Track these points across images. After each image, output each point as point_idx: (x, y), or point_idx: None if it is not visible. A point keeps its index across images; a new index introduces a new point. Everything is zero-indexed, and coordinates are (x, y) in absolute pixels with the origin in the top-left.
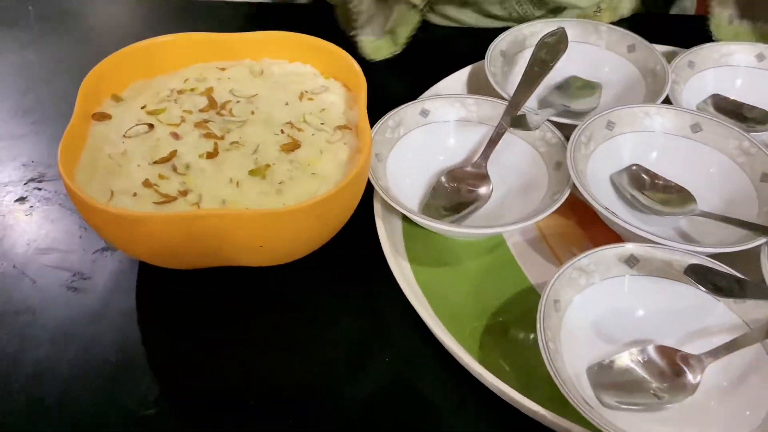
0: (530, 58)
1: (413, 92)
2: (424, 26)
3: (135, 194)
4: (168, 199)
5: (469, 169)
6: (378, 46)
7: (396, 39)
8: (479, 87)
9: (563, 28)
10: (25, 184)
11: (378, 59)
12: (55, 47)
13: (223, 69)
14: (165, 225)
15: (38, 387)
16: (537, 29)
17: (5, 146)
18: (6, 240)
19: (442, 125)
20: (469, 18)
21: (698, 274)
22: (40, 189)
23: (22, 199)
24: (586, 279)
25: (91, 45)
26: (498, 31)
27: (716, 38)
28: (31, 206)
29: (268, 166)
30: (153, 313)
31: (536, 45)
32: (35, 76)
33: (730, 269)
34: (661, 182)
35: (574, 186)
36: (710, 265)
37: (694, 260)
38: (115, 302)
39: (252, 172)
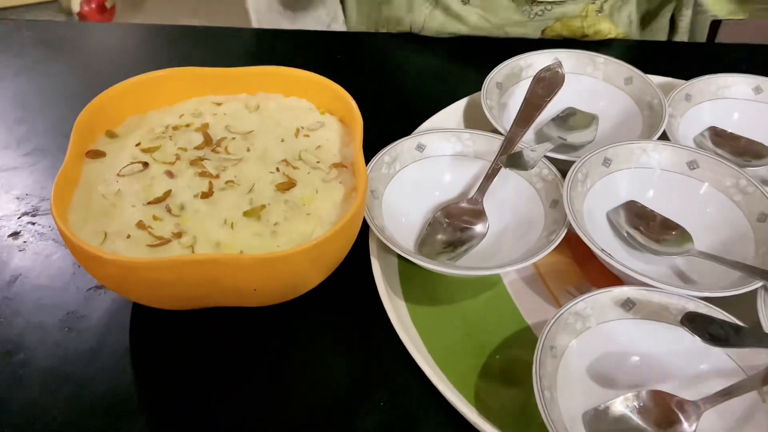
0: (527, 93)
1: (409, 125)
2: (420, 54)
3: (129, 236)
4: (162, 242)
5: (465, 205)
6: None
7: None
8: (475, 119)
9: (559, 61)
10: (18, 218)
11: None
12: (50, 75)
13: (219, 104)
14: (158, 271)
15: (29, 430)
16: (532, 61)
17: None
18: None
19: (438, 160)
20: (469, 16)
21: (694, 323)
22: (33, 223)
23: (15, 234)
24: (582, 323)
25: (87, 72)
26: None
27: (709, 10)
28: (25, 241)
29: (263, 206)
30: (147, 354)
31: (533, 80)
32: (30, 104)
33: (726, 314)
34: (657, 220)
35: (570, 225)
36: (706, 312)
37: (691, 305)
38: (109, 342)
39: (246, 213)
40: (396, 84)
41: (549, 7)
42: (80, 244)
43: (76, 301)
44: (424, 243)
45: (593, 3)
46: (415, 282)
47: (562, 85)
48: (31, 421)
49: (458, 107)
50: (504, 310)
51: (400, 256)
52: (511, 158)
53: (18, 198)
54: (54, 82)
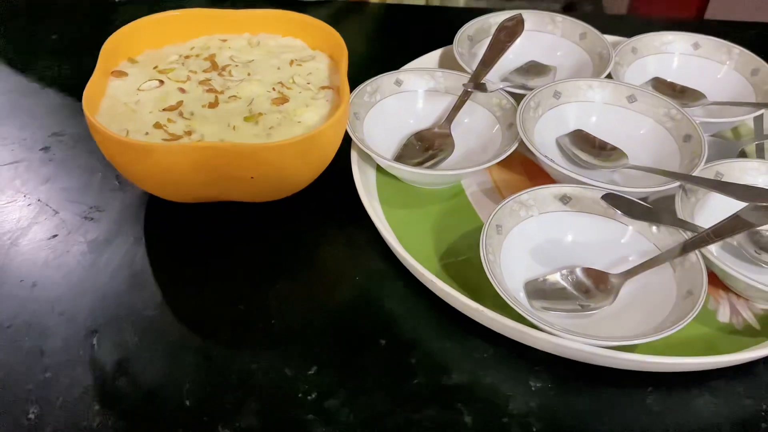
0: (491, 39)
1: (391, 68)
2: (402, 13)
3: (147, 133)
4: (175, 137)
5: (435, 130)
6: None
7: None
8: (448, 66)
9: (520, 13)
10: (48, 136)
11: None
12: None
13: (225, 40)
14: (170, 154)
15: (62, 291)
16: (500, 19)
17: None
18: (31, 181)
19: (413, 94)
20: None
21: (614, 200)
22: (61, 142)
23: (45, 149)
24: (525, 212)
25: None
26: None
27: None
28: (54, 154)
29: (260, 114)
30: (158, 239)
31: (497, 28)
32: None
33: (644, 203)
34: (598, 143)
35: (522, 143)
36: (626, 196)
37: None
38: (126, 230)
39: (247, 119)
40: (379, 44)
41: None
42: (107, 132)
43: (98, 198)
44: (398, 158)
45: None
46: (391, 189)
47: (521, 33)
48: (66, 282)
49: (435, 55)
50: (464, 214)
51: (378, 169)
52: (476, 85)
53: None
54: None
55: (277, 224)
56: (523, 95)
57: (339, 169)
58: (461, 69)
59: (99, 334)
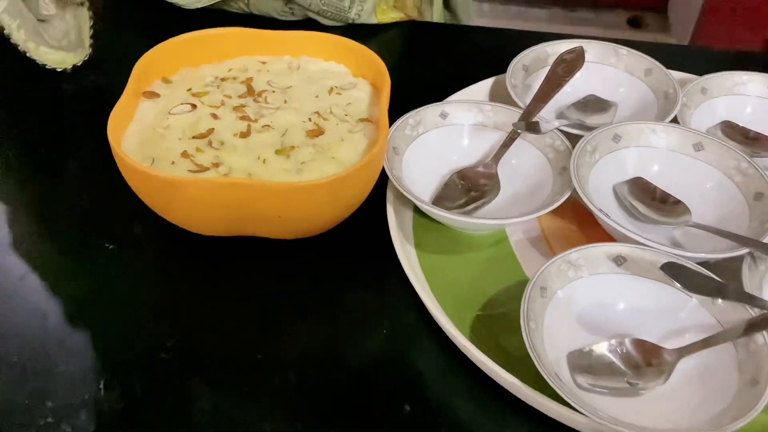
0: (548, 73)
1: (438, 99)
2: (456, 34)
3: (173, 162)
4: (201, 169)
5: (480, 169)
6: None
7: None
8: (499, 97)
9: (581, 46)
10: (70, 154)
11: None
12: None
13: (264, 62)
14: (195, 188)
15: (71, 326)
16: (558, 48)
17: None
18: (59, 200)
19: (458, 128)
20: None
21: (674, 270)
22: (84, 162)
23: (65, 168)
24: (574, 272)
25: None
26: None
27: None
28: (74, 174)
29: (293, 147)
30: (178, 273)
31: (554, 61)
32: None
33: (711, 274)
34: (659, 194)
35: (575, 190)
36: (688, 265)
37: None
38: (144, 262)
39: (278, 152)
40: (430, 65)
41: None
42: (131, 163)
43: (124, 226)
44: (438, 199)
45: None
46: (427, 233)
47: (581, 67)
48: (79, 313)
49: (484, 85)
50: (507, 265)
51: (415, 210)
52: (528, 124)
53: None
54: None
55: (304, 264)
56: (579, 135)
57: (374, 205)
58: (513, 102)
59: (107, 376)
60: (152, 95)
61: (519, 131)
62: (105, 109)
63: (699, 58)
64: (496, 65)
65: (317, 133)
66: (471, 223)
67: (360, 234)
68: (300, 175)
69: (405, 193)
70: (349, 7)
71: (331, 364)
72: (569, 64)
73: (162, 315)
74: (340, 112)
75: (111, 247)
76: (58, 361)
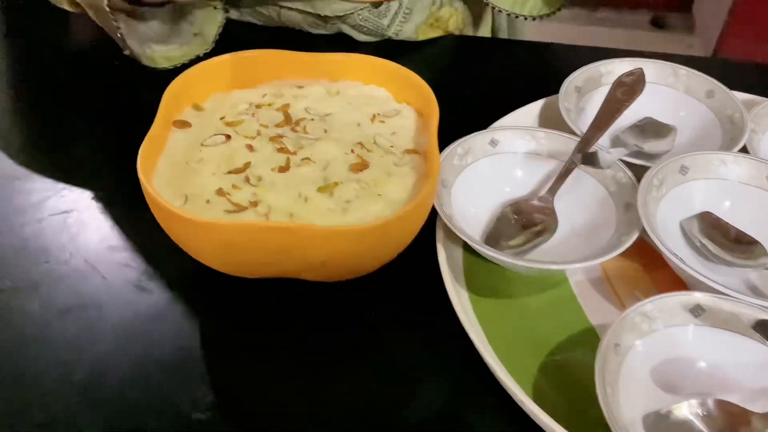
0: (606, 96)
1: (484, 123)
2: (497, 49)
3: (208, 201)
4: (239, 209)
5: (535, 202)
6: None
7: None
8: (551, 121)
9: (641, 68)
10: (101, 186)
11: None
12: None
13: (301, 87)
14: (233, 233)
15: (98, 380)
16: (613, 68)
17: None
18: (80, 236)
19: (510, 156)
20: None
21: (766, 329)
22: (116, 195)
23: (98, 199)
24: (648, 325)
25: None
26: None
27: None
28: (107, 207)
29: (336, 184)
30: (214, 318)
31: (613, 84)
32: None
33: None
34: (732, 232)
35: (642, 229)
36: None
37: (764, 315)
38: (179, 304)
39: (320, 189)
40: (471, 85)
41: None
42: (163, 203)
43: (151, 262)
44: (491, 236)
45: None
46: (479, 274)
47: (642, 91)
48: (100, 371)
49: (534, 108)
50: (568, 309)
51: (465, 247)
52: (586, 156)
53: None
54: None
55: (346, 308)
56: (640, 166)
57: (422, 243)
58: (566, 126)
59: None
60: (183, 124)
61: (576, 164)
62: (131, 135)
63: (747, 73)
64: (544, 83)
65: (361, 166)
66: (530, 268)
67: (406, 273)
68: (345, 215)
69: (457, 233)
70: (388, 26)
71: (375, 427)
72: (629, 88)
73: (193, 369)
74: (385, 143)
75: (137, 287)
76: (81, 420)
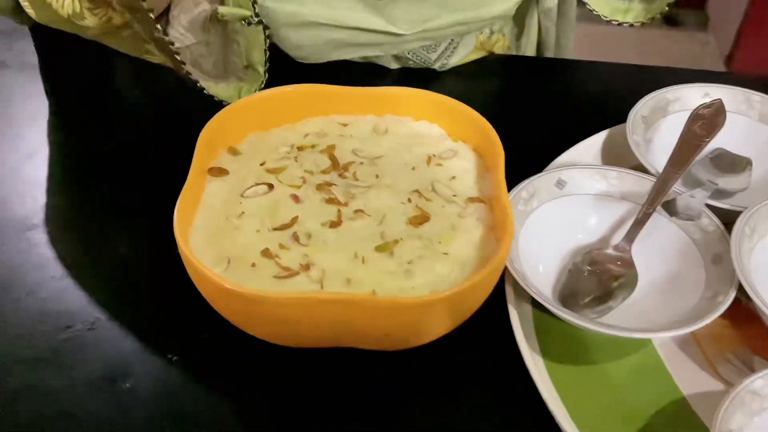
0: (683, 131)
1: (539, 157)
2: (545, 69)
3: (253, 265)
4: (289, 274)
5: (610, 251)
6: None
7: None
8: (615, 155)
9: (720, 100)
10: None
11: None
12: None
13: (345, 124)
14: (288, 308)
15: None
16: (680, 95)
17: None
18: (112, 297)
19: (579, 198)
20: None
21: None
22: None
23: (123, 266)
24: (759, 403)
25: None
26: None
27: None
28: (132, 270)
29: (396, 241)
30: (258, 391)
31: (690, 117)
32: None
33: None
34: None
35: (741, 287)
36: None
37: None
38: (220, 376)
39: (378, 248)
40: (524, 113)
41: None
42: (204, 271)
43: (183, 329)
44: (564, 293)
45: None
46: (553, 335)
47: (723, 124)
48: None
49: (596, 141)
50: (655, 377)
51: (535, 303)
52: (668, 205)
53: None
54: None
55: (408, 378)
56: (726, 210)
57: (489, 302)
58: (633, 159)
59: None
60: (220, 172)
61: (651, 212)
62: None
63: None
64: (599, 108)
65: (421, 219)
66: (612, 335)
67: (474, 332)
68: (409, 278)
69: (534, 295)
70: (435, 60)
71: None
72: (708, 121)
73: None
74: (446, 191)
75: (174, 358)
76: None
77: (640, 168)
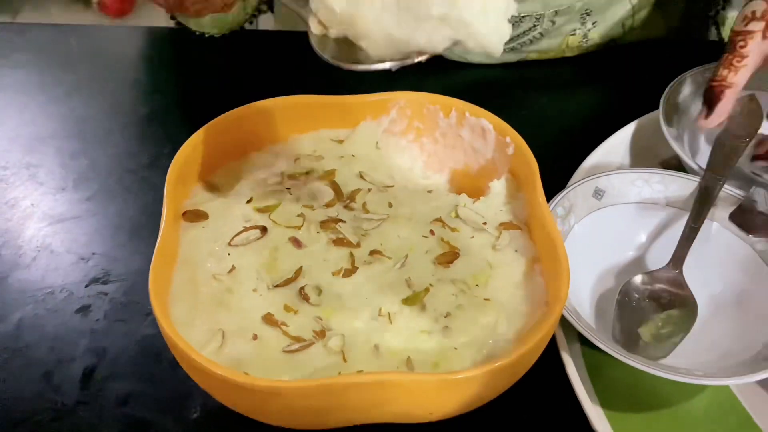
0: (720, 132)
1: (567, 158)
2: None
3: (255, 337)
4: (302, 346)
5: (661, 273)
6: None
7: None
8: (641, 144)
9: (754, 95)
10: (86, 286)
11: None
12: (106, 94)
13: (340, 141)
14: (310, 398)
15: None
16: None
17: (55, 232)
18: (65, 365)
19: (619, 209)
20: None
21: None
22: (106, 293)
23: (84, 309)
24: None
25: (149, 88)
26: None
27: None
28: (97, 319)
29: (426, 290)
30: None
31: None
32: (86, 133)
33: None
34: None
35: None
36: None
37: None
38: None
39: (407, 301)
40: (535, 112)
41: (520, 45)
42: (192, 358)
43: (174, 399)
44: (619, 328)
45: (573, 35)
46: (607, 377)
47: (762, 121)
48: None
49: (625, 134)
50: (734, 420)
51: (583, 340)
52: (732, 214)
53: (83, 259)
54: (112, 103)
55: None
56: None
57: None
58: (667, 150)
59: None
60: (197, 216)
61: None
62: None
63: None
64: (621, 97)
65: (450, 257)
66: (699, 383)
67: (525, 390)
68: (449, 337)
69: (595, 341)
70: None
71: None
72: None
73: None
74: (473, 217)
75: None
76: None
77: (676, 162)
